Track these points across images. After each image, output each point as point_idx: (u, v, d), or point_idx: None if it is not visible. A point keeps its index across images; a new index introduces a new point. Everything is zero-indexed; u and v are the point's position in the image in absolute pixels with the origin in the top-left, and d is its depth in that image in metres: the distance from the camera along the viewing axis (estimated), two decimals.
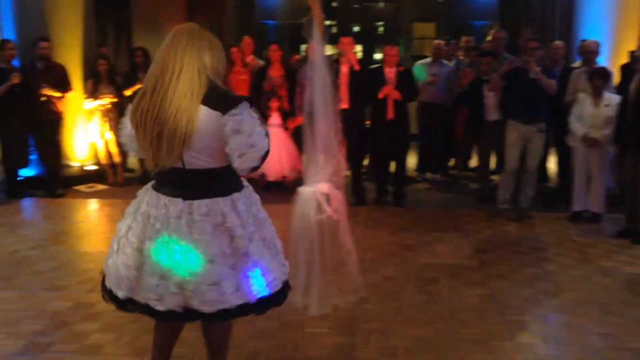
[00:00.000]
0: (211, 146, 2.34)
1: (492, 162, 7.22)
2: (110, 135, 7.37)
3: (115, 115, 7.28)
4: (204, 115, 2.29)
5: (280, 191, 7.03)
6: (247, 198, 2.54)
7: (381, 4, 33.61)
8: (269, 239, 2.59)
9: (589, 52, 6.51)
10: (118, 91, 7.32)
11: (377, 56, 28.62)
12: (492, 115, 6.61)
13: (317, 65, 3.59)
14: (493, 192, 6.54)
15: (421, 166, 7.96)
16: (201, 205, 2.38)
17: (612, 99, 5.82)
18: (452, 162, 8.46)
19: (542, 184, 7.01)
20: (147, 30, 10.65)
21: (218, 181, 2.43)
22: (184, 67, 2.30)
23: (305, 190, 3.78)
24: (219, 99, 2.32)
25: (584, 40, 6.92)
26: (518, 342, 3.56)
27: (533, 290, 4.34)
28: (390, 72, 6.43)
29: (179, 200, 2.39)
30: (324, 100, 3.62)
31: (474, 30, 20.42)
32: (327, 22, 3.65)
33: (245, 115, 2.31)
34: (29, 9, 7.20)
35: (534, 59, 5.91)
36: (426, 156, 7.92)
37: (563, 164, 7.05)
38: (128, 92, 7.29)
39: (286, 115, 7.11)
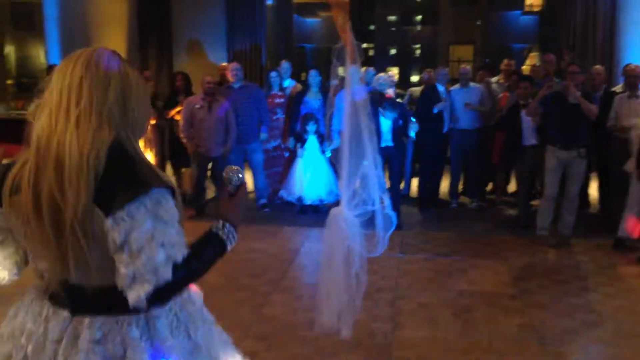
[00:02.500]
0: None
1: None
2: (151, 158, 7.51)
3: (156, 138, 7.44)
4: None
5: (317, 214, 7.06)
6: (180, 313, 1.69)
7: (418, 27, 33.72)
8: None
9: (633, 76, 6.39)
10: (158, 113, 7.47)
11: (414, 78, 28.65)
12: (530, 139, 6.53)
13: (348, 91, 3.59)
14: (532, 218, 6.43)
15: (454, 191, 7.83)
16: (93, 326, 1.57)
17: None
18: (489, 187, 8.35)
19: (583, 210, 6.86)
20: (188, 54, 10.89)
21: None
22: (82, 114, 1.49)
23: (335, 213, 3.76)
24: (112, 183, 1.47)
25: (628, 64, 6.80)
26: None
27: (574, 321, 4.22)
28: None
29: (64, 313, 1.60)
30: (357, 126, 3.61)
31: (513, 53, 20.28)
32: (364, 45, 3.63)
33: (138, 217, 1.45)
34: (74, 35, 7.45)
35: (573, 83, 5.83)
36: (457, 182, 7.82)
37: (604, 189, 6.91)
38: (171, 114, 7.48)
39: (323, 139, 7.15)
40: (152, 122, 7.42)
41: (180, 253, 1.53)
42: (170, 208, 1.52)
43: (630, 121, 6.03)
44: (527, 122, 6.51)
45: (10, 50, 16.02)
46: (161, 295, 1.50)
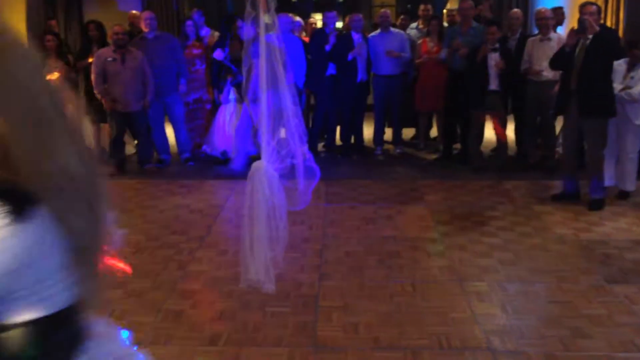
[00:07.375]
0: None
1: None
2: None
3: (67, 91, 7.05)
4: None
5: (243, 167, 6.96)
6: None
7: None
8: None
9: (543, 19, 6.52)
10: (68, 66, 7.07)
11: (339, 24, 28.34)
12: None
13: (262, 42, 3.50)
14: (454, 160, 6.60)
15: (378, 139, 7.85)
16: None
17: None
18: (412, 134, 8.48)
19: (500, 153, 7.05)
20: (98, 2, 10.31)
21: None
22: None
23: (256, 167, 3.71)
24: None
25: (538, 8, 6.97)
26: (477, 313, 3.61)
27: (491, 260, 4.38)
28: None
29: None
30: (270, 76, 3.55)
31: None
32: None
33: None
34: None
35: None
36: (382, 129, 7.85)
37: (520, 132, 7.14)
38: (83, 64, 7.08)
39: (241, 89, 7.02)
40: (62, 74, 7.01)
41: None
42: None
43: (542, 64, 6.21)
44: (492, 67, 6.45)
45: None
46: None
